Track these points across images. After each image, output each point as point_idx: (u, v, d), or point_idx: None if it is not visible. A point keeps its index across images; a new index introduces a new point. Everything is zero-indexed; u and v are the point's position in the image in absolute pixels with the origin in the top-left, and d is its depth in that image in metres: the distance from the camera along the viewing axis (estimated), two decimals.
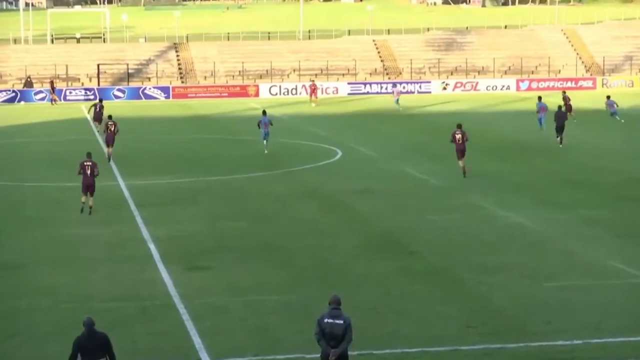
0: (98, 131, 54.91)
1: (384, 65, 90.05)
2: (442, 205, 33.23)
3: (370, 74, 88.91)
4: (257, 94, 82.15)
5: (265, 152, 46.00)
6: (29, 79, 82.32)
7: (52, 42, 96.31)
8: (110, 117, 45.96)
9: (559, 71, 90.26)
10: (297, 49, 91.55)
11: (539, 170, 40.49)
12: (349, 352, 15.77)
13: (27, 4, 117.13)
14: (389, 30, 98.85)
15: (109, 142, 44.53)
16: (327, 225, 30.30)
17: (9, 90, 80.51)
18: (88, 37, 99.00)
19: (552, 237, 28.22)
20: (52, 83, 78.83)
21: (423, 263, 25.40)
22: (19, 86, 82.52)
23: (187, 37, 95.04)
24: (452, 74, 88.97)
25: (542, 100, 52.23)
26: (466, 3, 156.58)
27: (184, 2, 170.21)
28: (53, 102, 77.11)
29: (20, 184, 39.30)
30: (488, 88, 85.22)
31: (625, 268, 24.48)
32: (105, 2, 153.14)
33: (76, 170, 32.72)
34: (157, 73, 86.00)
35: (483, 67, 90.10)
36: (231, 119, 65.39)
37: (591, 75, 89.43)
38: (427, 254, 26.31)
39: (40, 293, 22.98)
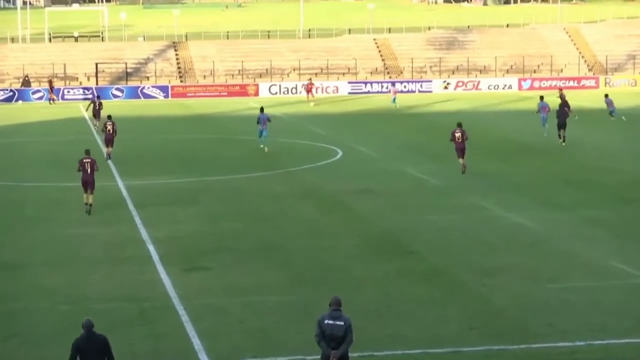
0: (96, 128, 54.87)
1: (384, 65, 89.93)
2: (442, 205, 33.14)
3: (371, 73, 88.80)
4: (256, 93, 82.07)
5: (265, 150, 45.94)
6: (26, 78, 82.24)
7: (50, 40, 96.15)
8: (109, 117, 45.91)
9: (562, 70, 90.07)
10: (297, 47, 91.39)
11: (540, 171, 40.40)
12: (350, 354, 15.69)
13: (24, 3, 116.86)
14: (389, 29, 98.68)
15: (108, 142, 44.51)
16: (327, 226, 30.21)
17: (7, 90, 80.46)
18: (86, 36, 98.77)
19: (553, 237, 28.14)
20: (50, 82, 78.72)
21: (423, 264, 25.31)
22: (17, 85, 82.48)
23: (186, 35, 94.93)
24: (453, 73, 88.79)
25: (544, 99, 52.09)
26: (467, 1, 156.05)
27: (183, 1, 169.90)
28: (51, 102, 77.04)
29: (19, 184, 39.21)
30: (490, 87, 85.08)
31: (626, 268, 24.40)
32: (104, 1, 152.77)
33: (75, 167, 32.73)
34: (156, 72, 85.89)
35: (485, 66, 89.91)
36: (231, 118, 65.33)
37: (594, 74, 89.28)
38: (427, 255, 26.22)
39: (39, 294, 22.90)
